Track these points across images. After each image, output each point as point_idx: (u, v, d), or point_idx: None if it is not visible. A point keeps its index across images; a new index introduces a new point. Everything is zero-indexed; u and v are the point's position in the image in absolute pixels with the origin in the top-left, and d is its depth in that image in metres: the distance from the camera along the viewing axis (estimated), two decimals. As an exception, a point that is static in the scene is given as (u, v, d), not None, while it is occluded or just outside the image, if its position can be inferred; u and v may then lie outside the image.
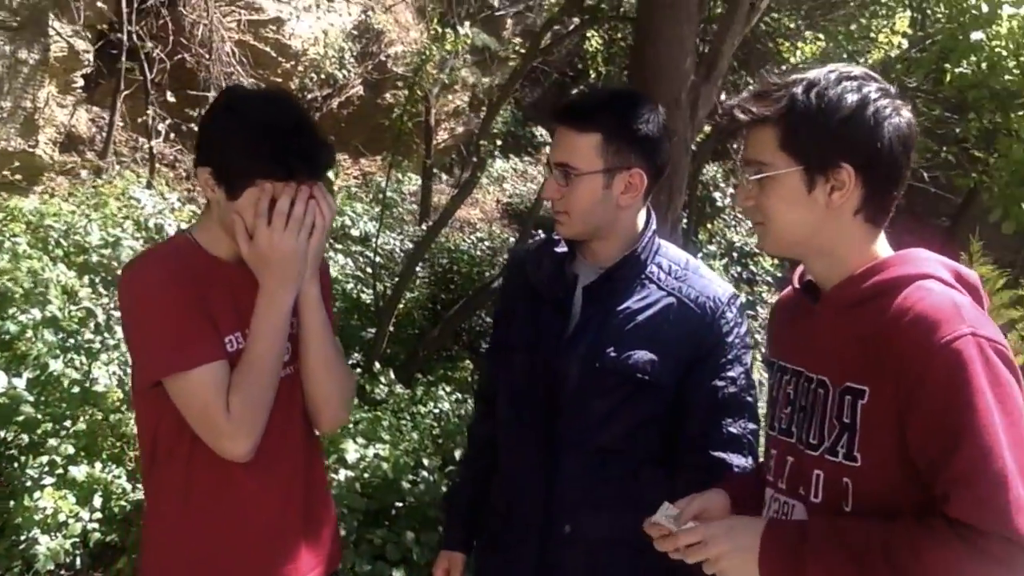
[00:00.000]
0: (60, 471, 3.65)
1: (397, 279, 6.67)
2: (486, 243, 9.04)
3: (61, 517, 3.47)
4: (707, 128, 7.14)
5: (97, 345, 4.24)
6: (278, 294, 1.79)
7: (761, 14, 5.25)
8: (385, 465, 4.18)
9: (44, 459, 3.67)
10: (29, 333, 4.03)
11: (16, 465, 3.70)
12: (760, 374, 3.90)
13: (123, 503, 3.69)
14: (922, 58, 7.59)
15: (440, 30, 8.08)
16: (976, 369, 1.35)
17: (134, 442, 3.90)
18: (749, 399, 1.98)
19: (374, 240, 7.39)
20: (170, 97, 7.82)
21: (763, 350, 2.09)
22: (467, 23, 8.65)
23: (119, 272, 4.89)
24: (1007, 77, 5.93)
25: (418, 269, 7.23)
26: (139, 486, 3.73)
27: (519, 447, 2.05)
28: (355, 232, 8.19)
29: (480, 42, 10.60)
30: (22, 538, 3.43)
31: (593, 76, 10.35)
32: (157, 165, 7.91)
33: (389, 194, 8.51)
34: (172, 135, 8.16)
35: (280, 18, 9.00)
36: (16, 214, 5.59)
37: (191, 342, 1.74)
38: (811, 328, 1.57)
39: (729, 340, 1.97)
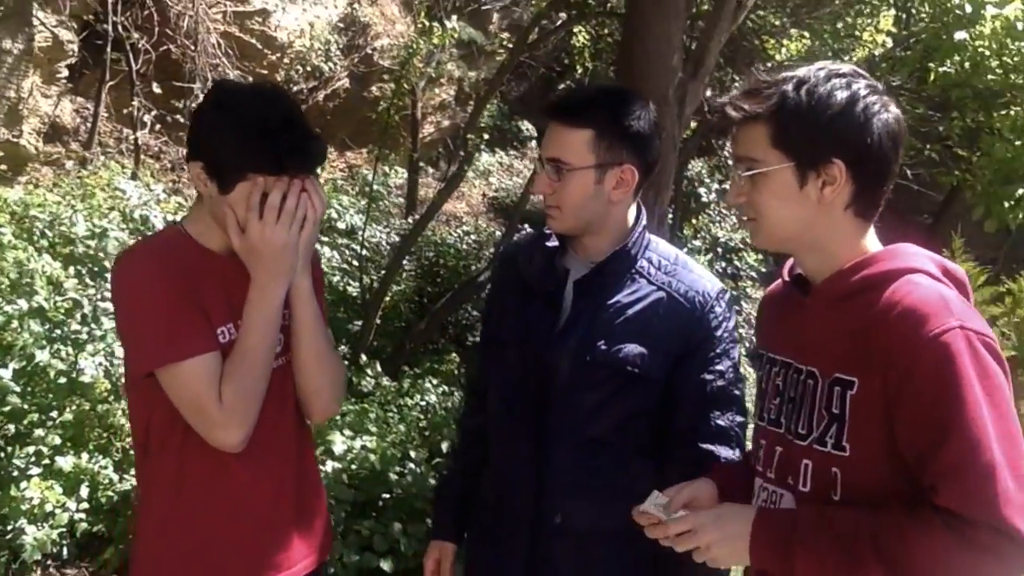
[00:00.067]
0: (47, 461, 3.65)
1: (384, 272, 6.68)
2: (472, 237, 9.06)
3: (48, 507, 3.48)
4: (693, 124, 7.17)
5: (84, 336, 4.23)
6: (270, 287, 1.80)
7: (747, 12, 5.27)
8: (372, 457, 4.19)
9: (31, 449, 3.67)
10: (15, 324, 4.02)
11: (3, 455, 3.69)
12: (746, 368, 3.93)
13: (110, 493, 3.69)
14: (906, 57, 7.64)
15: (427, 24, 8.09)
16: (964, 362, 1.36)
17: (120, 433, 3.90)
18: (737, 392, 2.00)
19: (360, 233, 7.40)
20: (155, 88, 7.80)
21: (748, 344, 2.12)
22: (454, 17, 8.66)
23: (106, 263, 4.90)
24: (990, 77, 5.98)
25: (404, 262, 7.23)
26: (126, 476, 3.73)
27: (510, 441, 2.06)
28: (341, 225, 8.19)
29: (467, 36, 10.61)
30: (9, 528, 3.44)
31: (580, 72, 10.35)
32: (142, 156, 7.89)
33: (375, 187, 8.51)
34: (157, 126, 8.13)
35: (266, 10, 8.96)
36: (0, 204, 5.57)
37: (183, 334, 1.74)
38: (801, 321, 1.59)
39: (718, 334, 1.99)
